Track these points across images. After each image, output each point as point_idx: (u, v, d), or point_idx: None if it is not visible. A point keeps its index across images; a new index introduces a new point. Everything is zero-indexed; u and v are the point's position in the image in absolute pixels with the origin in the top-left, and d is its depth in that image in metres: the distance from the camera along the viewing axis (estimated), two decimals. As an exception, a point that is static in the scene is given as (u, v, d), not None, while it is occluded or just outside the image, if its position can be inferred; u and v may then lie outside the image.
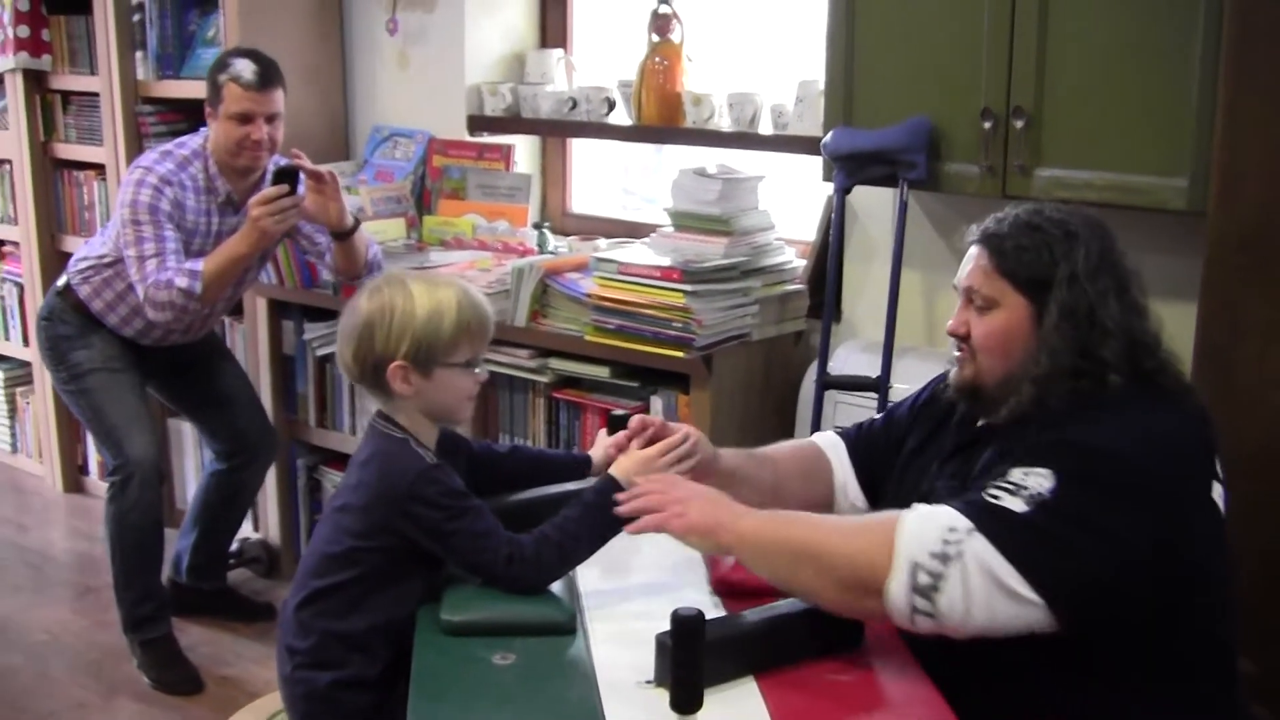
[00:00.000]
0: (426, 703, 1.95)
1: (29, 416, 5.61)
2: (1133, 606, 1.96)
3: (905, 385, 3.23)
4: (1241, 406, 2.57)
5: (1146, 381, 2.08)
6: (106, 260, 3.81)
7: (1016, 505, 1.91)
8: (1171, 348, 2.15)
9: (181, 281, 3.57)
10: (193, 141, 3.80)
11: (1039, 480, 1.93)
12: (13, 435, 5.75)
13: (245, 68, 3.65)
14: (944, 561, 1.89)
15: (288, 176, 3.60)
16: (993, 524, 1.90)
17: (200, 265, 3.61)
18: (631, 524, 2.17)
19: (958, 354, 2.21)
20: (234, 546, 4.48)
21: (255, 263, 3.85)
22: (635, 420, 2.43)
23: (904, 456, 2.41)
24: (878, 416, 2.59)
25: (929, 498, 2.15)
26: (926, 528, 1.93)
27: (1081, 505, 1.91)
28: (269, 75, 3.68)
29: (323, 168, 3.69)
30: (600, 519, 2.25)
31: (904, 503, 2.17)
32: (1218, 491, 2.06)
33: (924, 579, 1.90)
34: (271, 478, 4.46)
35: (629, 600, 2.32)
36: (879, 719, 1.95)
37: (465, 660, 2.06)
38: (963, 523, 1.91)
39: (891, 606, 1.93)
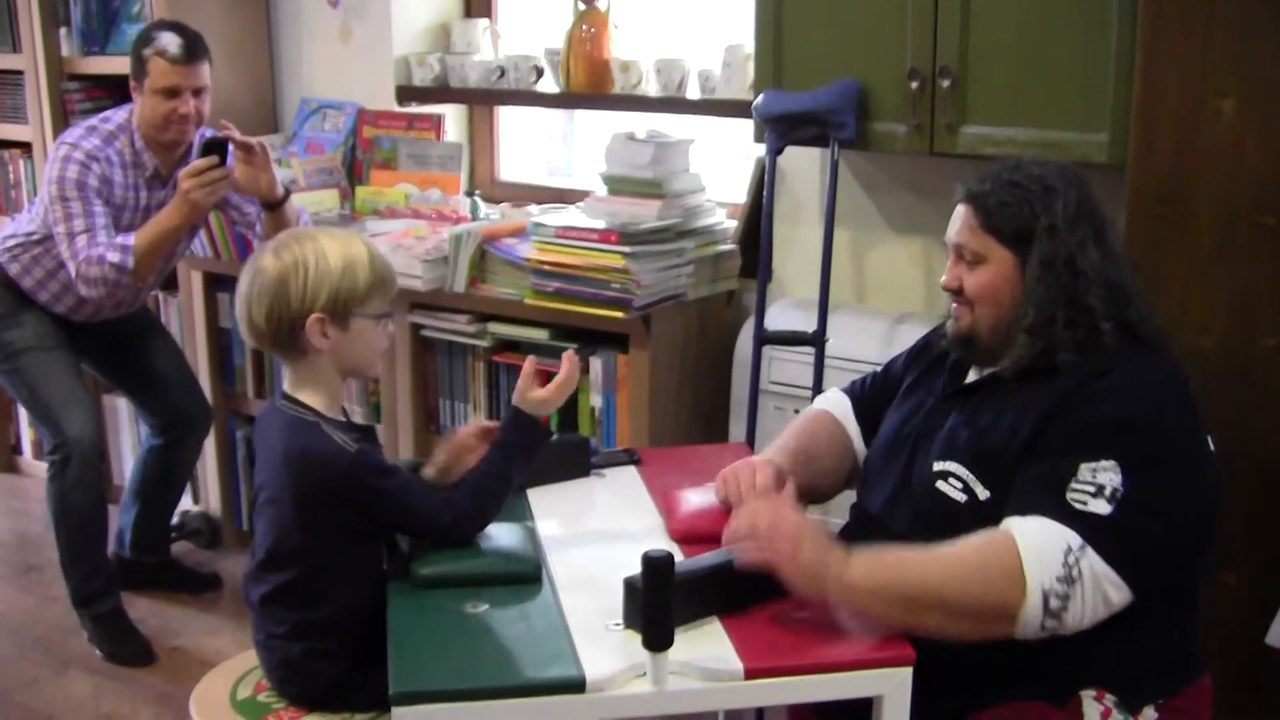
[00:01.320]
0: (406, 652, 2.02)
1: (-43, 398, 5.59)
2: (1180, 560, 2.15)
3: (839, 339, 3.35)
4: (1166, 351, 2.69)
5: (1132, 331, 2.23)
6: (35, 238, 3.80)
7: (1102, 508, 2.03)
8: (1143, 288, 2.30)
9: (113, 256, 3.57)
10: (117, 116, 3.79)
11: (1109, 475, 2.05)
12: (-60, 417, 5.72)
13: (170, 41, 3.64)
14: (1069, 583, 2.00)
15: (217, 148, 3.59)
16: (1096, 535, 2.02)
17: (131, 240, 3.61)
18: (742, 557, 2.12)
19: (954, 307, 2.33)
20: (175, 519, 4.50)
21: (185, 235, 3.86)
22: (528, 361, 2.44)
23: (899, 396, 2.52)
24: (877, 371, 2.68)
25: (937, 432, 2.30)
26: (1046, 551, 2.01)
27: (1150, 491, 2.05)
28: (194, 48, 3.67)
29: (252, 139, 3.68)
30: (519, 455, 2.36)
31: (897, 432, 2.39)
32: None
33: (1055, 603, 2.00)
34: (211, 450, 4.49)
35: (588, 548, 2.41)
36: (840, 648, 2.04)
37: (439, 610, 2.14)
38: (1075, 540, 2.01)
39: (1023, 628, 2.03)
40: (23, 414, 5.37)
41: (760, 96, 3.35)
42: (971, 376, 2.38)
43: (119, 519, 4.28)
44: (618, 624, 2.07)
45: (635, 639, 1.96)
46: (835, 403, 2.68)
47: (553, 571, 2.28)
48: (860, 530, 2.37)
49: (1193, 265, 2.68)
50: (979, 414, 2.27)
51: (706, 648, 1.99)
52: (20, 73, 4.84)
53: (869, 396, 2.64)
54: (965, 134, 3.11)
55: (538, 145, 4.78)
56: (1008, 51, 3.03)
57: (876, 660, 2.02)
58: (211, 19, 4.30)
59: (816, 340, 3.31)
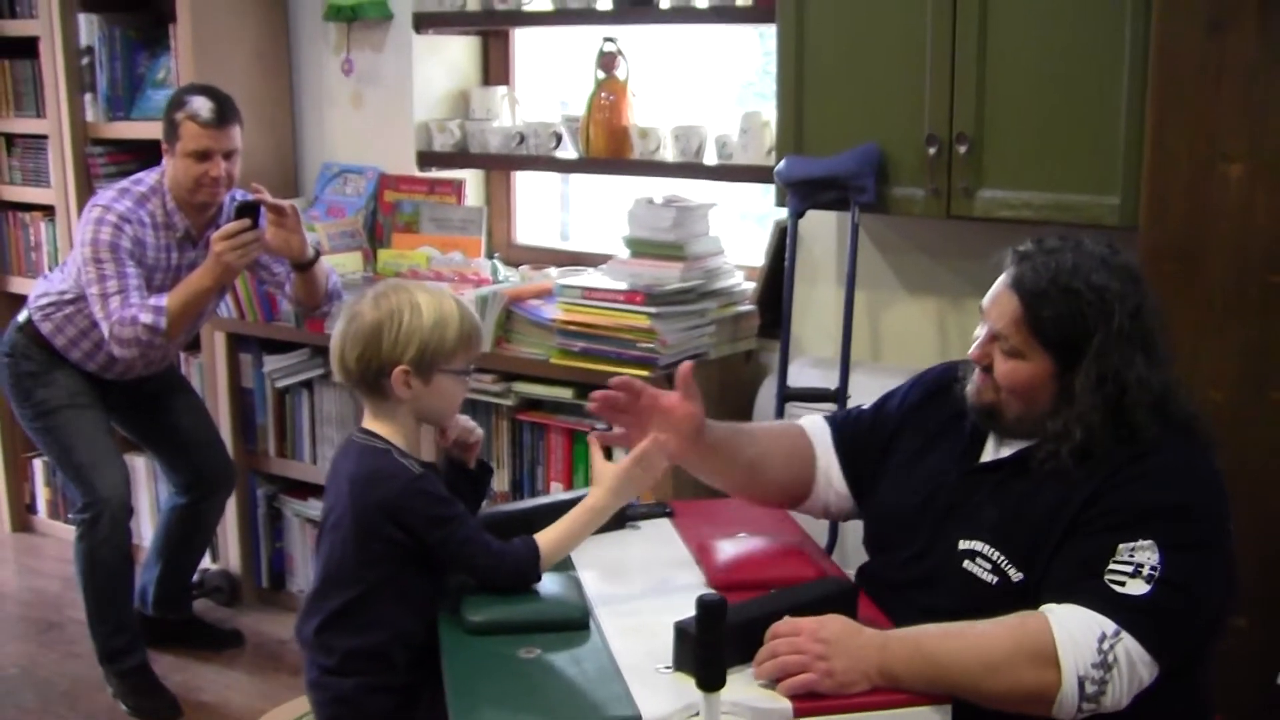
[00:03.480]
0: (465, 696, 2.09)
1: (-27, 458, 5.64)
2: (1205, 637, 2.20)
3: (859, 396, 3.43)
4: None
5: (1170, 418, 2.24)
6: (68, 297, 3.86)
7: (1139, 588, 2.06)
8: (1177, 375, 2.30)
9: (146, 318, 3.63)
10: (149, 178, 3.86)
11: (1147, 555, 2.08)
12: (-45, 477, 5.77)
13: (202, 105, 3.72)
14: (1105, 669, 2.03)
15: (249, 210, 3.66)
16: (1131, 619, 2.05)
17: (164, 301, 3.67)
18: (780, 683, 2.07)
19: (979, 375, 2.32)
20: (195, 577, 4.54)
21: (216, 296, 3.93)
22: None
23: (904, 456, 2.51)
24: (865, 406, 2.69)
25: (959, 509, 2.32)
26: (1081, 639, 2.03)
27: (1186, 572, 2.09)
28: (226, 112, 3.75)
29: (284, 202, 3.76)
30: (581, 527, 2.45)
31: (914, 503, 2.38)
32: None
33: (1091, 689, 2.03)
34: (231, 507, 4.54)
35: (632, 598, 2.46)
36: (887, 693, 2.10)
37: (492, 656, 2.20)
38: (1110, 626, 2.04)
39: (1059, 710, 2.05)
40: (38, 473, 5.44)
41: (782, 161, 3.46)
42: (991, 450, 2.37)
43: (141, 577, 4.32)
44: (667, 667, 2.13)
45: (685, 681, 2.02)
46: (812, 423, 2.68)
47: (599, 618, 2.35)
48: (883, 599, 2.36)
49: (1204, 321, 2.77)
50: (1006, 493, 2.28)
51: (756, 689, 2.06)
52: (44, 137, 4.95)
53: (850, 425, 2.64)
54: (981, 198, 3.21)
55: (546, 210, 4.88)
56: (1022, 117, 3.14)
57: (919, 700, 2.08)
58: (235, 84, 4.38)
59: (839, 397, 3.40)
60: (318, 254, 3.88)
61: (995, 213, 3.20)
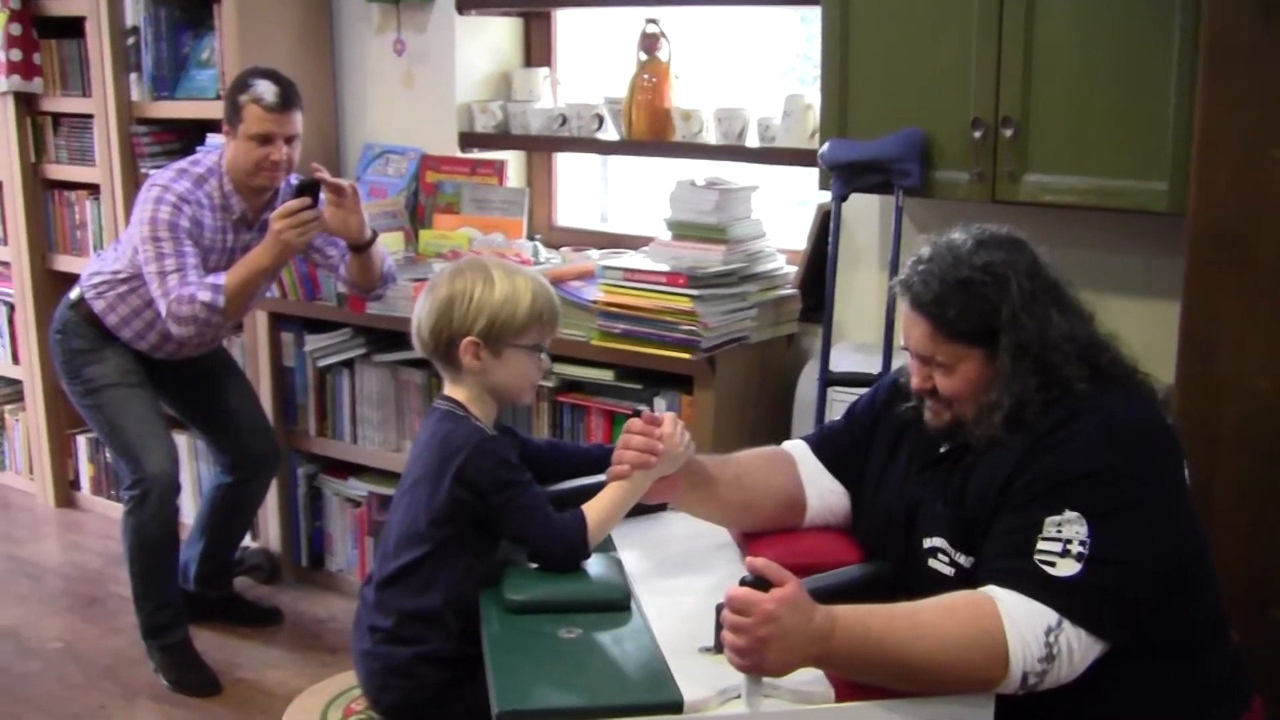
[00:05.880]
0: (506, 672, 2.10)
1: (18, 434, 5.69)
2: (1159, 601, 2.15)
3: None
4: (1225, 393, 2.75)
5: (1104, 373, 2.24)
6: (121, 276, 3.87)
7: (1070, 568, 2.05)
8: (1107, 330, 2.30)
9: (205, 296, 3.64)
10: (207, 159, 3.86)
11: (1074, 529, 2.06)
12: (0, 453, 5.83)
13: (267, 89, 3.72)
14: (1048, 661, 2.03)
15: (309, 189, 3.67)
16: (1068, 605, 2.04)
17: (222, 279, 3.67)
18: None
19: (930, 404, 2.32)
20: (235, 555, 4.55)
21: (273, 275, 3.91)
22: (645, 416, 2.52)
23: (875, 466, 2.50)
24: (838, 421, 2.68)
25: (918, 508, 2.32)
26: (1029, 634, 2.02)
27: (1115, 543, 2.07)
28: (289, 97, 3.76)
29: (343, 181, 3.76)
30: (621, 504, 2.47)
31: (885, 513, 2.39)
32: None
33: (1032, 680, 2.04)
34: (272, 486, 4.54)
35: (670, 577, 2.48)
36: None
37: (533, 635, 2.22)
38: (1052, 617, 2.03)
39: (1000, 691, 2.06)
40: (82, 449, 5.48)
41: (826, 145, 3.45)
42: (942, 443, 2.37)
43: (184, 553, 4.32)
44: (708, 648, 2.14)
45: (725, 663, 2.02)
46: (791, 444, 2.67)
47: (639, 598, 2.36)
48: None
49: (1251, 308, 2.74)
50: (949, 483, 2.29)
51: (798, 671, 2.05)
52: (89, 116, 4.99)
53: (826, 437, 2.63)
54: (1027, 182, 3.19)
55: (586, 193, 4.88)
56: (1069, 101, 3.12)
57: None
58: (278, 64, 4.33)
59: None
60: (375, 235, 3.87)
61: (1040, 198, 3.18)
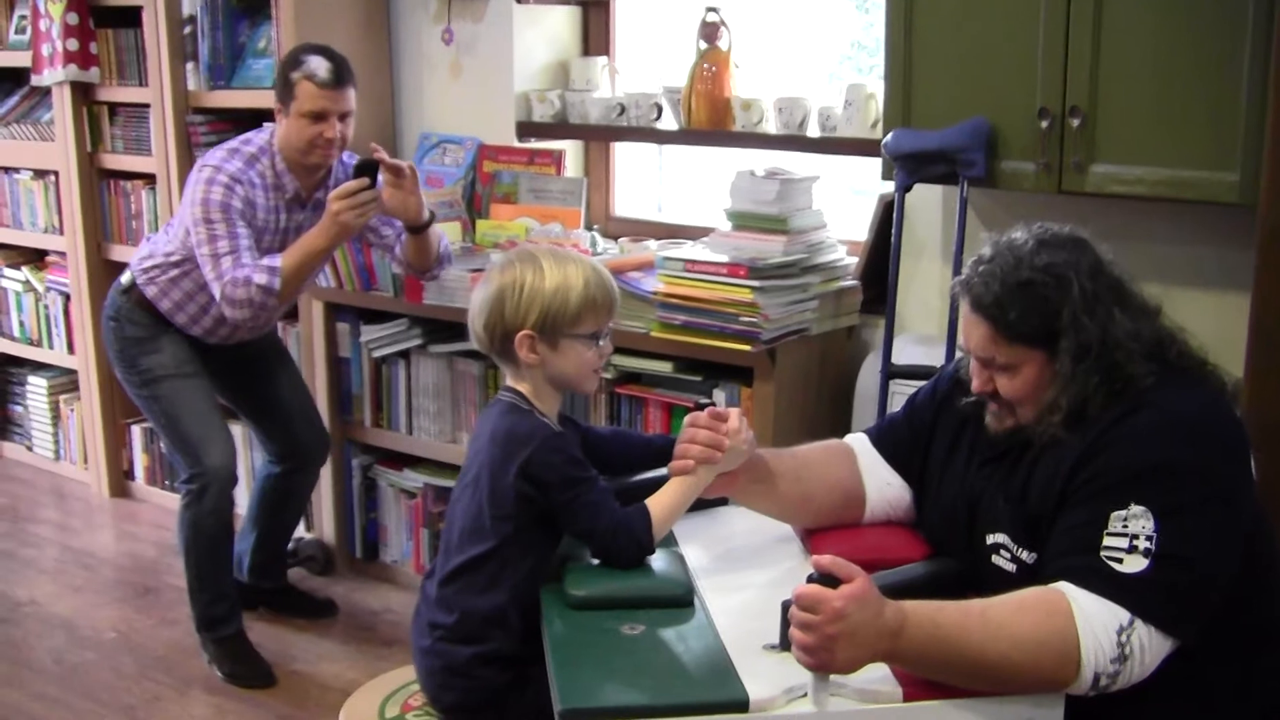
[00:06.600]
0: (569, 670, 2.07)
1: (73, 424, 5.71)
2: (1226, 599, 2.10)
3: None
4: (1297, 385, 2.72)
5: (1171, 367, 2.20)
6: (174, 259, 3.83)
7: (1138, 564, 2.01)
8: (1174, 323, 2.26)
9: (260, 278, 3.59)
10: (258, 138, 3.81)
11: (1140, 524, 2.03)
12: (55, 443, 5.85)
13: (320, 65, 3.66)
14: (1121, 662, 2.00)
15: (367, 170, 3.62)
16: (1139, 602, 2.00)
17: (278, 261, 3.63)
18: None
19: (991, 407, 2.29)
20: (289, 546, 4.56)
21: (328, 257, 3.88)
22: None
23: (937, 460, 2.48)
24: (898, 411, 2.64)
25: (980, 503, 2.30)
26: (1104, 638, 1.99)
27: (1182, 539, 2.03)
28: (342, 73, 3.70)
29: (402, 162, 3.70)
30: (684, 498, 2.42)
31: (948, 509, 2.36)
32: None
33: (1104, 681, 2.00)
34: (326, 478, 4.56)
35: (734, 573, 2.44)
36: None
37: (596, 631, 2.19)
38: (1124, 615, 1.99)
39: (1072, 692, 2.03)
40: (136, 439, 5.49)
41: (890, 135, 3.40)
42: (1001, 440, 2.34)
43: (237, 544, 4.31)
44: (773, 645, 2.10)
45: (791, 660, 1.99)
46: (852, 438, 2.64)
47: (703, 595, 2.32)
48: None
49: (1323, 306, 2.70)
50: (1011, 479, 2.26)
51: (865, 670, 2.01)
52: (145, 106, 5.00)
53: (887, 430, 2.60)
54: (1094, 173, 3.14)
55: (643, 183, 4.84)
56: (1138, 90, 3.06)
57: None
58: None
59: (943, 375, 3.34)
60: (433, 216, 3.82)
61: (1108, 188, 3.12)
